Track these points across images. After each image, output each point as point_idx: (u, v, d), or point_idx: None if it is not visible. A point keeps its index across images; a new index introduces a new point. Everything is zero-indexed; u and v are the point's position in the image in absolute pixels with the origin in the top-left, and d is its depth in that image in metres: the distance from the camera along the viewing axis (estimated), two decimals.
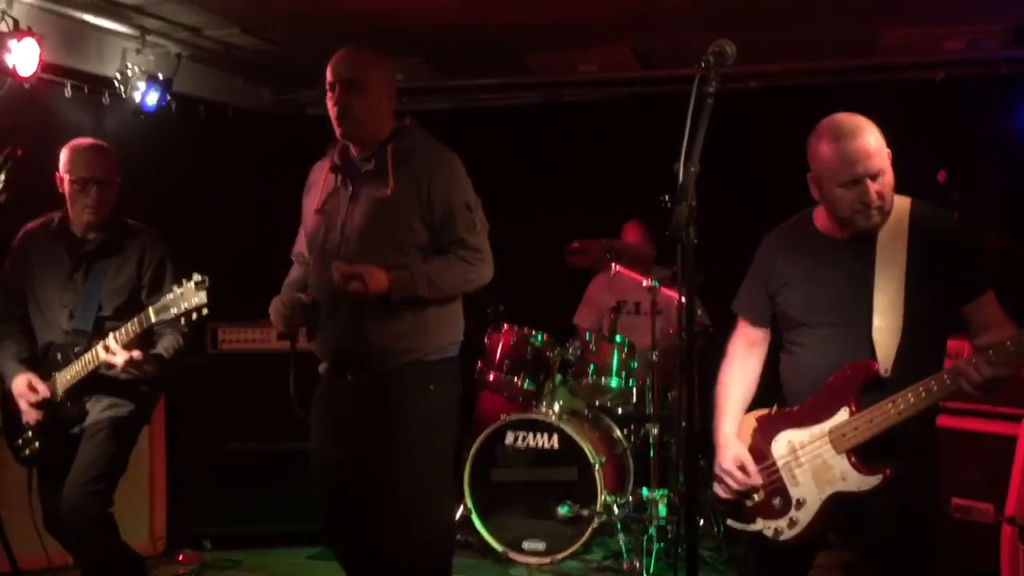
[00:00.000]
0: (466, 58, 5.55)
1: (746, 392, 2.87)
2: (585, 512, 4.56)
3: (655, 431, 4.73)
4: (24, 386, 3.52)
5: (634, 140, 5.60)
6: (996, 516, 3.67)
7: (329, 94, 3.06)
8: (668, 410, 4.85)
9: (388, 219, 3.02)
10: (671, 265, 5.18)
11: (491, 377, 4.92)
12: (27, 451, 3.61)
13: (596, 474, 4.55)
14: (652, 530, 4.54)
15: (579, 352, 4.93)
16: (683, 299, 2.33)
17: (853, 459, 2.60)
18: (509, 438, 4.74)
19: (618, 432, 4.94)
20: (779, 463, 2.71)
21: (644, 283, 4.80)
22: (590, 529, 4.55)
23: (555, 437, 4.68)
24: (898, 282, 2.60)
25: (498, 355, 4.93)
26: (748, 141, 5.20)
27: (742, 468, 2.72)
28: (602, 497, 4.54)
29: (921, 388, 2.52)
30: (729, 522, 2.82)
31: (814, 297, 2.72)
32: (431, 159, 3.09)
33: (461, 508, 4.76)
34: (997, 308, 2.65)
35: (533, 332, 4.96)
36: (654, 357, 4.74)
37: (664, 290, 4.78)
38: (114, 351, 3.36)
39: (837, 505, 2.64)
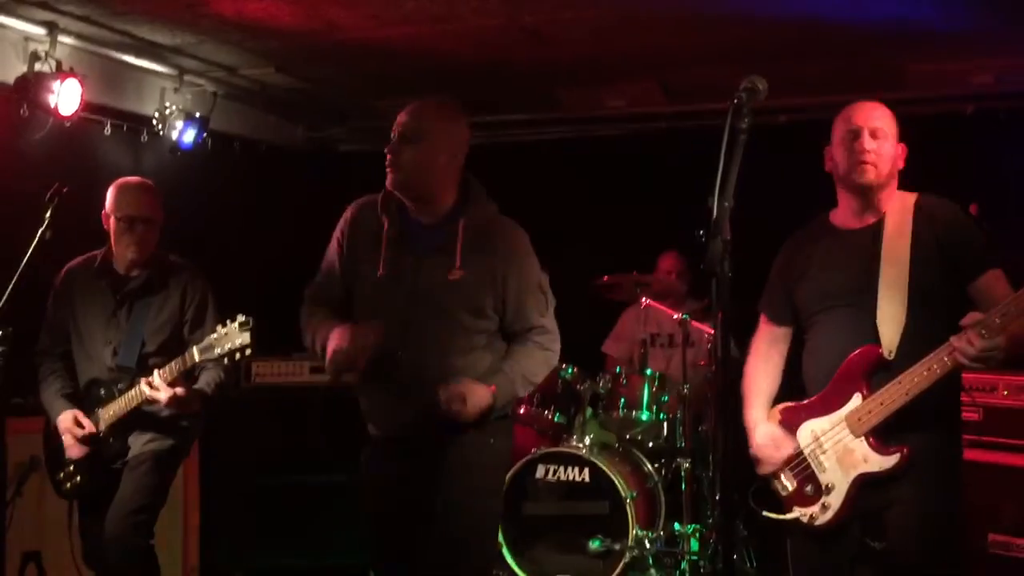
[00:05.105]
0: (494, 94, 5.61)
1: (771, 384, 3.00)
2: (617, 547, 4.52)
3: (687, 465, 4.72)
4: (70, 422, 3.56)
5: (663, 173, 5.62)
6: None
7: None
8: (699, 443, 4.83)
9: (459, 303, 2.88)
10: (703, 298, 5.18)
11: (521, 410, 4.91)
12: (68, 485, 3.64)
13: (627, 508, 4.52)
14: (684, 565, 4.52)
15: (609, 385, 4.93)
16: (717, 332, 2.34)
17: (871, 440, 2.71)
18: (540, 471, 4.71)
19: (649, 466, 4.91)
20: (806, 451, 2.82)
21: (675, 316, 4.81)
22: (622, 564, 4.51)
23: (586, 471, 4.65)
24: (902, 265, 2.71)
25: None
26: (777, 174, 5.20)
27: (774, 443, 2.84)
28: (634, 531, 4.51)
29: (924, 368, 2.61)
30: (765, 513, 2.89)
31: (823, 284, 2.84)
32: (505, 243, 2.96)
33: None
34: (1005, 286, 2.68)
35: (563, 365, 4.94)
36: (685, 390, 4.73)
37: (695, 324, 4.78)
38: (158, 387, 3.40)
39: (865, 488, 2.71)
